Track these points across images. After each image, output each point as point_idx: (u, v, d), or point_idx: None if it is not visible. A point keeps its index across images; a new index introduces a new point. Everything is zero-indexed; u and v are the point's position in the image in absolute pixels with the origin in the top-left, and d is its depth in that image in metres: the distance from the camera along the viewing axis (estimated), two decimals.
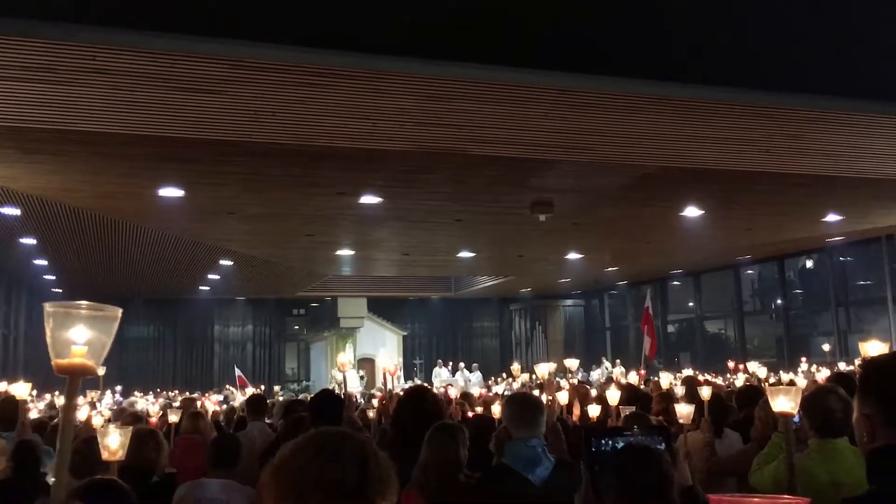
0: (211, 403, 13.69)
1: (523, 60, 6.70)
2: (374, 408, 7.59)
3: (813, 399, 3.52)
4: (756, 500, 1.17)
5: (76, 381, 1.32)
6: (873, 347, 3.91)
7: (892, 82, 7.77)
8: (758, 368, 12.66)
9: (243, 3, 6.27)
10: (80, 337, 1.33)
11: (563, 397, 6.42)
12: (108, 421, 7.90)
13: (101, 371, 10.81)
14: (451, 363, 26.09)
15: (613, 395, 6.37)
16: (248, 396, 11.26)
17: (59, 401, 13.37)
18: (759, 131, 8.37)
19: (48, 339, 1.35)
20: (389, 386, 7.29)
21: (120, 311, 1.38)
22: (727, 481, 4.64)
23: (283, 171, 9.41)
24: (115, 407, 12.96)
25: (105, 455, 3.15)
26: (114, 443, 3.15)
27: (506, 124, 7.77)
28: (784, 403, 2.89)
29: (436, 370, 25.64)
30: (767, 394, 3.05)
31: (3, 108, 6.85)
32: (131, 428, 3.49)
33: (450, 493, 3.38)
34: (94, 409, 10.86)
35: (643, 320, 18.62)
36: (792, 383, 9.72)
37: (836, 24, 7.39)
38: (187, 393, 19.93)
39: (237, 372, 21.08)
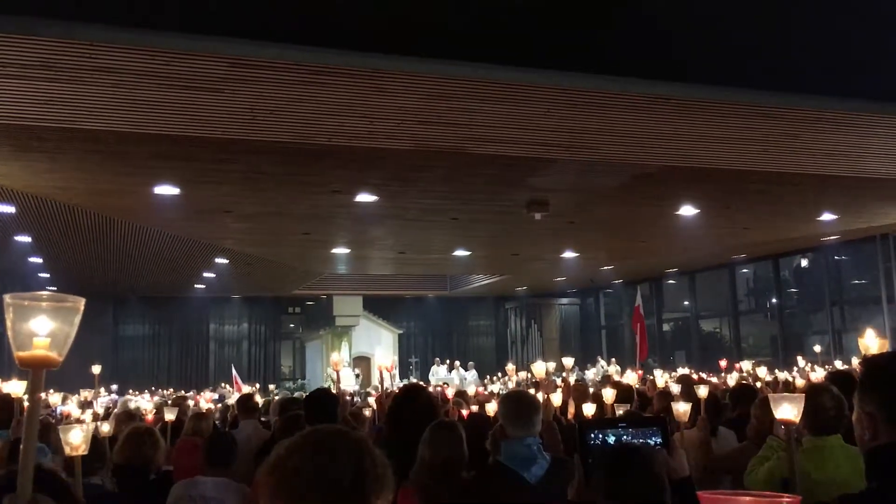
0: (204, 402, 13.67)
1: (523, 60, 6.72)
2: (369, 406, 7.60)
3: (806, 397, 3.54)
4: (747, 498, 1.17)
5: (39, 373, 1.31)
6: (870, 340, 3.90)
7: (888, 83, 7.80)
8: (756, 368, 12.67)
9: (242, 1, 6.26)
10: (42, 328, 1.31)
11: (556, 398, 6.42)
12: (103, 418, 7.89)
13: (97, 369, 10.79)
14: (447, 361, 26.10)
15: (609, 394, 6.38)
16: (239, 396, 11.25)
17: (53, 399, 13.36)
18: (756, 131, 8.39)
19: (9, 332, 1.33)
20: (387, 384, 7.29)
21: (83, 301, 1.36)
22: (723, 479, 4.65)
23: (281, 169, 9.39)
24: (111, 405, 12.94)
25: (67, 451, 3.16)
26: (76, 438, 3.15)
27: (503, 123, 7.77)
28: (787, 411, 2.88)
29: (433, 368, 25.64)
30: (770, 401, 3.02)
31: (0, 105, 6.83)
32: (93, 424, 3.49)
33: (451, 492, 3.38)
34: (90, 407, 10.85)
35: (634, 319, 18.59)
36: (787, 384, 9.74)
37: (835, 26, 7.41)
38: (182, 391, 19.91)
39: (234, 373, 21.03)
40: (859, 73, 7.73)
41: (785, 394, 2.97)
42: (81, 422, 8.33)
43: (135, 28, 5.81)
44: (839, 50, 7.53)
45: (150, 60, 6.08)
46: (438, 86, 6.90)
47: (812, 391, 3.58)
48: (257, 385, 20.65)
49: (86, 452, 3.19)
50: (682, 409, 5.07)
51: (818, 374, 11.03)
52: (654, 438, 2.77)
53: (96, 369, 10.50)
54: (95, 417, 8.89)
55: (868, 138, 8.84)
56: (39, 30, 5.60)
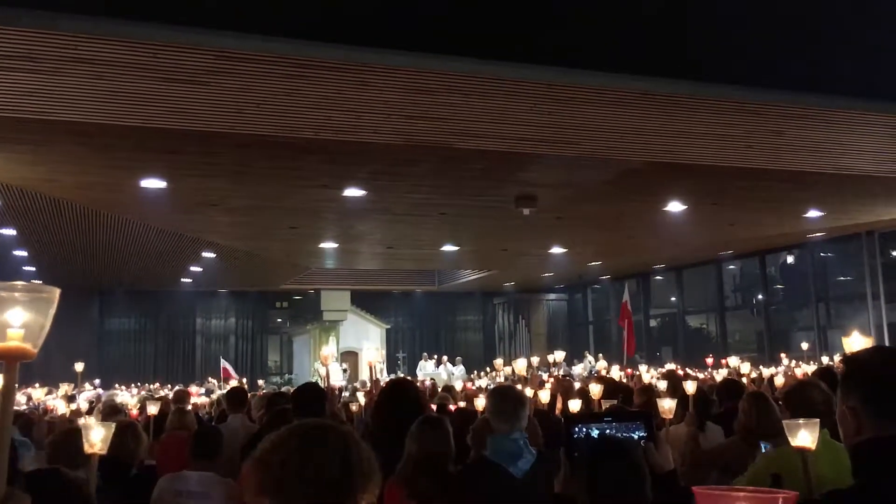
0: (191, 396, 13.60)
1: (509, 54, 6.70)
2: (356, 401, 7.58)
3: (796, 392, 3.57)
4: (743, 494, 1.16)
5: (14, 366, 1.28)
6: (856, 341, 3.92)
7: (873, 80, 7.84)
8: (740, 364, 12.74)
9: None
10: (15, 319, 1.28)
11: (543, 396, 6.43)
12: (87, 413, 7.84)
13: (80, 367, 10.74)
14: (435, 357, 26.11)
15: (596, 389, 6.39)
16: (227, 389, 11.20)
17: (36, 394, 13.27)
18: (742, 127, 8.42)
19: None
20: (375, 377, 7.26)
21: (58, 292, 1.34)
22: (710, 473, 4.67)
23: (268, 163, 9.36)
24: (93, 399, 12.86)
25: (86, 448, 3.15)
26: (96, 437, 3.15)
27: (491, 118, 7.77)
28: (805, 438, 2.87)
29: (421, 363, 25.67)
30: (786, 428, 2.98)
31: None
32: (114, 423, 3.49)
33: (438, 487, 3.38)
34: (73, 401, 10.80)
35: (622, 316, 18.59)
36: (772, 379, 9.79)
37: (820, 23, 7.43)
38: (169, 386, 19.83)
39: (223, 363, 20.92)
40: (844, 70, 7.76)
41: (801, 420, 2.94)
42: (66, 417, 8.28)
43: (119, 19, 5.75)
44: (823, 47, 7.56)
45: (134, 52, 6.03)
46: (424, 80, 6.88)
47: (801, 386, 3.60)
48: (244, 379, 20.59)
49: (104, 452, 3.19)
50: (667, 405, 5.09)
51: (802, 371, 11.09)
52: (637, 432, 2.78)
53: (79, 367, 10.44)
54: (77, 413, 8.84)
55: (853, 135, 8.88)
56: (22, 20, 5.53)
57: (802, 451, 2.87)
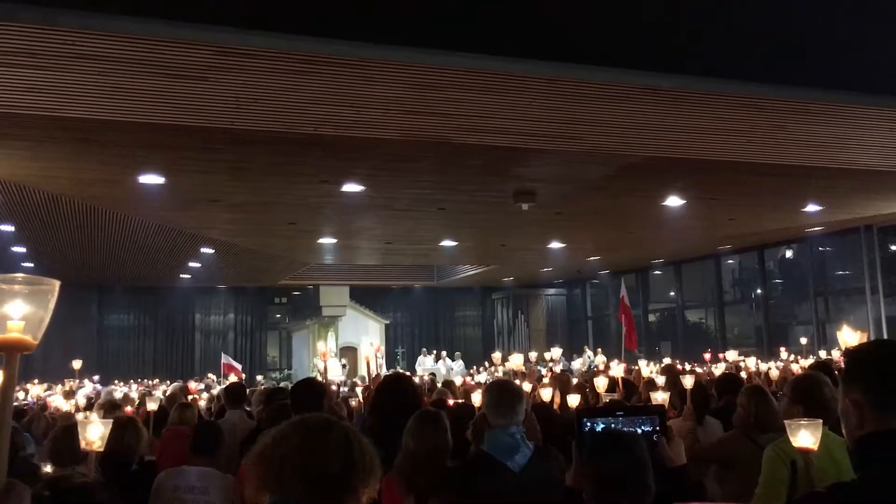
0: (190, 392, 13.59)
1: (509, 49, 6.71)
2: (356, 396, 7.60)
3: (808, 388, 3.57)
4: None
5: (14, 357, 1.28)
6: (848, 335, 3.94)
7: (872, 75, 7.85)
8: (745, 358, 12.75)
9: None
10: (16, 312, 1.28)
11: (547, 393, 6.44)
12: (85, 409, 7.85)
13: (78, 364, 10.74)
14: (434, 352, 26.12)
15: (601, 383, 6.43)
16: (226, 385, 11.22)
17: (35, 389, 13.26)
18: (741, 122, 8.42)
19: None
20: (373, 372, 7.28)
21: (57, 284, 1.34)
22: (709, 468, 4.68)
23: (267, 158, 9.34)
24: (92, 395, 12.87)
25: (83, 444, 3.16)
26: (93, 434, 3.15)
27: (491, 113, 7.77)
28: (806, 438, 2.87)
29: (420, 358, 25.68)
30: (787, 428, 2.98)
31: None
32: (111, 421, 3.50)
33: (435, 481, 3.38)
34: (72, 397, 10.80)
35: (620, 311, 18.55)
36: (767, 373, 9.81)
37: (819, 19, 7.43)
38: (168, 382, 19.82)
39: (224, 359, 20.87)
40: (844, 64, 7.77)
41: (802, 420, 2.94)
42: (69, 413, 8.29)
43: (119, 15, 5.76)
44: (824, 42, 7.56)
45: (134, 48, 6.03)
46: (425, 75, 6.88)
47: (815, 384, 3.61)
48: (244, 375, 20.58)
49: (101, 449, 3.20)
50: (660, 398, 5.12)
51: (800, 365, 11.10)
52: (643, 427, 2.78)
53: (76, 364, 10.44)
54: (76, 409, 8.85)
55: (852, 130, 8.88)
56: (21, 16, 5.53)
57: (805, 451, 2.87)
